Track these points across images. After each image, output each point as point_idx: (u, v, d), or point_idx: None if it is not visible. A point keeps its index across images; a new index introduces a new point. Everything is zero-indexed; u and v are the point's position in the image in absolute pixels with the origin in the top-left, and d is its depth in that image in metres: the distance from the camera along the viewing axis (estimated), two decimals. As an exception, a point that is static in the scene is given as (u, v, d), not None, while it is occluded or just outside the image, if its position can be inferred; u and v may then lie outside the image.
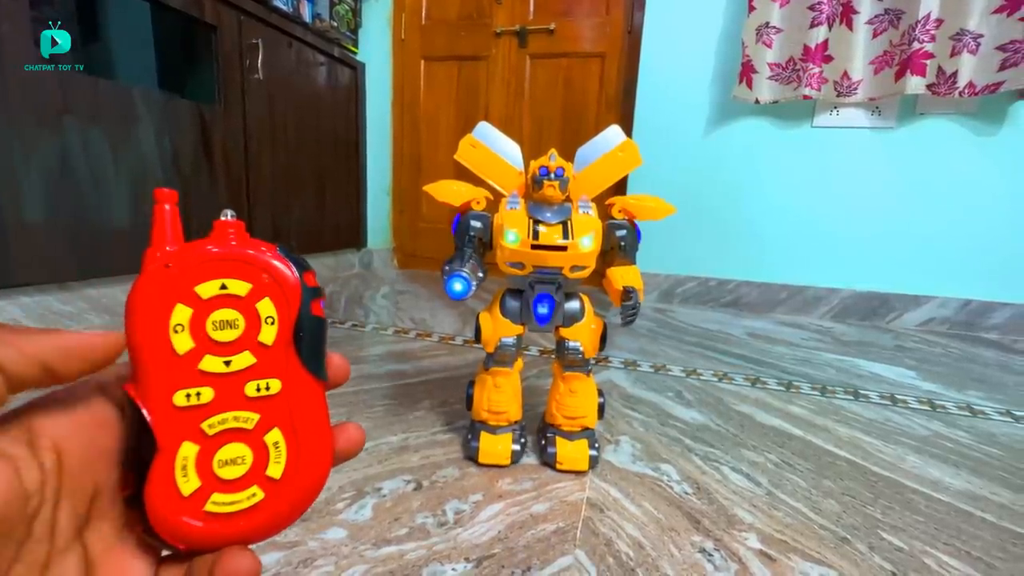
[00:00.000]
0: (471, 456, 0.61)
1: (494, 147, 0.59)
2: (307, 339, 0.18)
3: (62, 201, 0.97)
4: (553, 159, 0.52)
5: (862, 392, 0.92)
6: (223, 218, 0.18)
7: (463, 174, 0.60)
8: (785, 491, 0.58)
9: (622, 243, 0.58)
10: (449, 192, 0.59)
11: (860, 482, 0.61)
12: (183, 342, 0.17)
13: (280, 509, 0.18)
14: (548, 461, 0.60)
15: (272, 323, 0.18)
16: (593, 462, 0.60)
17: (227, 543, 0.17)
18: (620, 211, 0.58)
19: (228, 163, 1.35)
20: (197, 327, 0.17)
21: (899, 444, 0.71)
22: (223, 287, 0.17)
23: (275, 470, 0.18)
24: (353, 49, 1.90)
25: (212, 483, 0.17)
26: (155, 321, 0.17)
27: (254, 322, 0.18)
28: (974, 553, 0.49)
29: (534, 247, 0.52)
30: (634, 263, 0.57)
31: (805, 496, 0.57)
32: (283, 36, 1.50)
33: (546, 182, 0.52)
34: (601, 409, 0.62)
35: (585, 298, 0.60)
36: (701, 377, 0.96)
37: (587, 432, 0.61)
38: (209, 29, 1.26)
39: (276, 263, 0.18)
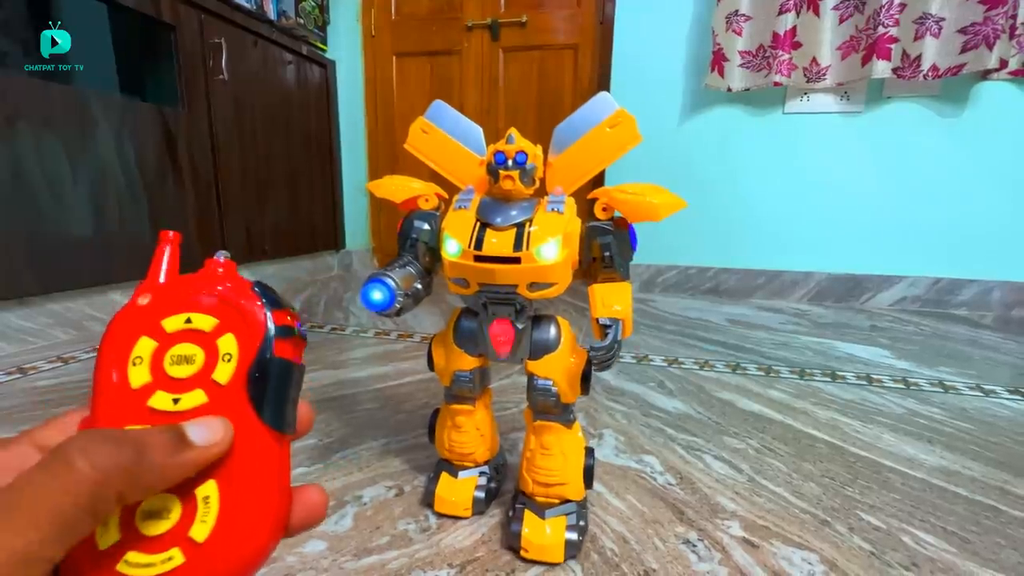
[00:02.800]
0: (428, 502, 0.51)
1: (449, 130, 0.46)
2: (264, 383, 0.17)
3: (16, 212, 0.93)
4: (512, 141, 0.39)
5: (839, 373, 0.94)
6: (216, 258, 0.18)
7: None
8: (766, 477, 0.59)
9: (606, 253, 0.42)
10: (392, 187, 0.47)
11: (839, 463, 0.62)
12: (139, 376, 0.16)
13: None
14: (512, 544, 0.45)
15: (229, 360, 0.17)
16: (572, 549, 0.44)
17: None
18: (604, 209, 0.42)
19: (195, 168, 1.31)
20: (156, 361, 0.16)
21: (875, 423, 0.73)
22: (188, 321, 0.17)
23: (200, 531, 0.15)
24: (322, 47, 1.86)
25: (131, 538, 0.15)
26: (117, 354, 0.16)
27: (212, 359, 0.17)
28: (949, 528, 0.50)
29: (477, 259, 0.39)
30: (626, 278, 0.42)
31: (786, 481, 0.58)
32: (247, 35, 1.46)
33: (502, 172, 0.39)
34: (588, 474, 0.46)
35: (563, 323, 0.46)
36: (683, 366, 0.97)
37: (567, 506, 0.45)
38: (168, 29, 1.21)
39: (242, 298, 0.17)
